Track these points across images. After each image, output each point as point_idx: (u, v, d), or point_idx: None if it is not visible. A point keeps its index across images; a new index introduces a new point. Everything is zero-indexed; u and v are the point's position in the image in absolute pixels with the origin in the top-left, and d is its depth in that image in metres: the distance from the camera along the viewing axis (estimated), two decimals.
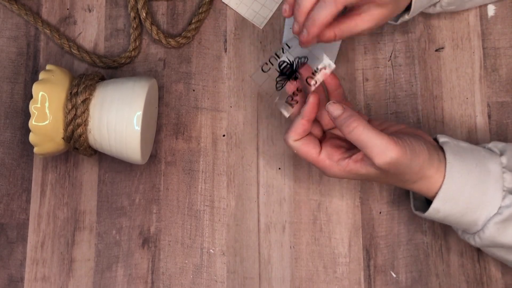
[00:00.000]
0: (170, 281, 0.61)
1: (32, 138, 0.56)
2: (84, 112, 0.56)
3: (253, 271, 0.61)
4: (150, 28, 0.64)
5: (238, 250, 0.61)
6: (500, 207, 0.52)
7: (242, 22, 0.66)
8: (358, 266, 0.60)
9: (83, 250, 0.61)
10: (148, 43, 0.66)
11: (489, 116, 0.63)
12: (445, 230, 0.61)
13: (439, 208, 0.53)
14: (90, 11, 0.67)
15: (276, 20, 0.66)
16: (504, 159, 0.53)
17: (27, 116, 0.64)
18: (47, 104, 0.55)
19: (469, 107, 0.63)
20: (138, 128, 0.55)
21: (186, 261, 0.61)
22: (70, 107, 0.56)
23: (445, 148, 0.54)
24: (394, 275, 0.60)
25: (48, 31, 0.65)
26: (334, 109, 0.52)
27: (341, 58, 0.65)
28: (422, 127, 0.63)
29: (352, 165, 0.52)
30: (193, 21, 0.65)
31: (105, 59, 0.64)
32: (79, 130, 0.56)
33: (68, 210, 0.62)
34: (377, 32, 0.65)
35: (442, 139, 0.55)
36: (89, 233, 0.62)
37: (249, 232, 0.61)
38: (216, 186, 0.63)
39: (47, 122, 0.55)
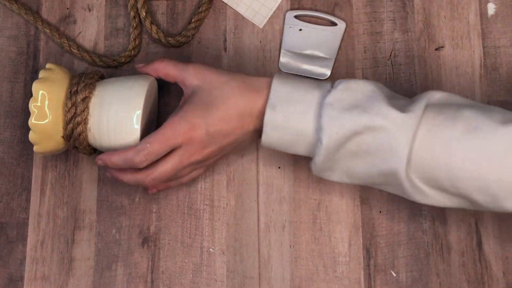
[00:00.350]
0: (170, 280, 0.61)
1: (32, 136, 0.56)
2: (83, 111, 0.56)
3: (253, 270, 0.61)
4: (150, 27, 0.64)
5: (238, 249, 0.61)
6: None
7: (242, 21, 0.66)
8: (358, 266, 0.60)
9: (83, 249, 0.61)
10: (148, 42, 0.66)
11: None
12: (445, 229, 0.61)
13: (267, 137, 0.53)
14: (90, 10, 0.67)
15: (276, 19, 0.66)
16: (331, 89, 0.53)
17: (27, 115, 0.64)
18: (46, 103, 0.55)
19: None
20: (137, 126, 0.55)
21: (186, 260, 0.61)
22: (69, 105, 0.55)
23: (275, 76, 0.54)
24: (394, 275, 0.60)
25: (48, 31, 0.65)
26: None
27: (341, 57, 0.65)
28: None
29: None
30: (193, 20, 0.65)
31: (105, 58, 0.64)
32: (79, 129, 0.56)
33: (68, 209, 0.62)
34: (376, 32, 0.65)
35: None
36: (89, 232, 0.62)
37: (249, 231, 0.61)
38: (216, 185, 0.63)
39: (46, 120, 0.55)
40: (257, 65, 0.65)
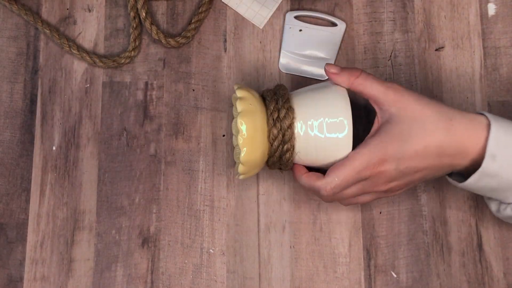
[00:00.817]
0: (169, 281, 0.60)
1: (242, 169, 0.54)
2: (291, 137, 0.53)
3: (253, 271, 0.60)
4: (150, 28, 0.64)
5: (238, 250, 0.61)
6: None
7: (242, 21, 0.66)
8: (358, 266, 0.60)
9: (83, 250, 0.61)
10: (148, 43, 0.66)
11: None
12: (446, 230, 0.60)
13: (476, 181, 0.50)
14: (90, 11, 0.67)
15: (276, 20, 0.66)
16: None
17: (27, 115, 0.64)
18: (253, 135, 0.53)
19: (469, 107, 0.63)
20: (349, 143, 0.53)
21: (186, 261, 0.61)
22: (275, 133, 0.53)
23: (486, 113, 0.51)
24: (395, 275, 0.60)
25: (48, 31, 0.65)
26: (331, 67, 0.54)
27: (341, 58, 0.65)
28: None
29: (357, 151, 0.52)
30: (193, 21, 0.65)
31: (105, 59, 0.64)
32: (287, 155, 0.54)
33: (67, 209, 0.62)
34: (377, 32, 0.65)
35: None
36: (88, 233, 0.62)
37: (249, 232, 0.61)
38: (216, 186, 0.62)
39: (257, 154, 0.53)
40: (257, 65, 0.65)
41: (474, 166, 0.51)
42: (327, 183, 0.52)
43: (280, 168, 0.57)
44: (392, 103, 0.51)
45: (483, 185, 0.51)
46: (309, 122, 0.53)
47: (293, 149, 0.54)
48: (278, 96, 0.54)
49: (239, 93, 0.54)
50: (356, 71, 0.53)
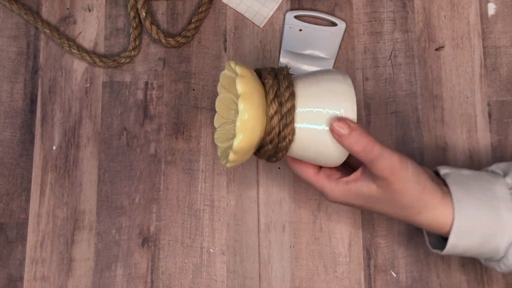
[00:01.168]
0: (169, 280, 0.60)
1: (233, 158, 0.49)
2: (291, 121, 0.49)
3: (253, 270, 0.60)
4: (150, 27, 0.64)
5: (238, 250, 0.61)
6: None
7: (242, 21, 0.66)
8: (358, 266, 0.60)
9: (83, 249, 0.61)
10: (148, 42, 0.66)
11: (490, 115, 0.63)
12: None
13: (457, 244, 0.50)
14: (90, 10, 0.67)
15: (276, 20, 0.66)
16: (509, 180, 0.51)
17: (27, 115, 0.64)
18: (254, 122, 0.48)
19: (469, 106, 0.63)
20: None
21: (186, 261, 0.61)
22: (275, 120, 0.49)
23: (447, 180, 0.52)
24: (395, 275, 0.60)
25: (48, 31, 0.65)
26: (341, 127, 0.48)
27: (341, 57, 0.65)
28: (422, 127, 0.63)
29: (352, 182, 0.51)
30: (193, 21, 0.65)
31: (105, 59, 0.64)
32: (284, 144, 0.50)
33: (67, 209, 0.62)
34: (376, 32, 0.65)
35: (443, 170, 0.53)
36: (88, 233, 0.62)
37: (249, 232, 0.61)
38: (216, 186, 0.62)
39: (253, 142, 0.49)
40: (257, 65, 0.65)
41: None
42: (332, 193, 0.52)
43: (269, 159, 0.52)
44: (383, 170, 0.49)
45: (463, 250, 0.51)
46: (309, 110, 0.49)
47: (293, 135, 0.49)
48: (280, 80, 0.50)
49: (240, 70, 0.48)
50: (354, 130, 0.49)
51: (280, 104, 0.49)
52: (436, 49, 0.64)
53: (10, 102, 0.65)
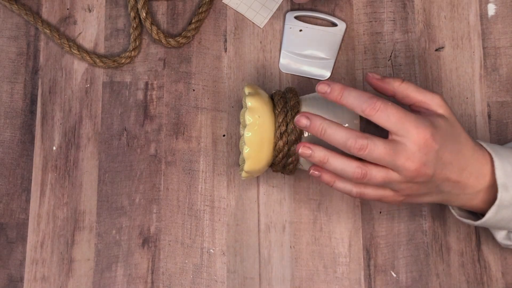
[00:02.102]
0: (170, 281, 0.60)
1: (244, 175, 0.55)
2: (296, 152, 0.53)
3: (253, 271, 0.61)
4: (150, 28, 0.64)
5: (238, 250, 0.61)
6: None
7: (242, 21, 0.66)
8: (358, 266, 0.60)
9: (83, 250, 0.61)
10: (148, 43, 0.66)
11: (489, 116, 0.63)
12: (445, 230, 0.61)
13: (494, 215, 0.51)
14: (90, 11, 0.67)
15: (276, 20, 0.66)
16: None
17: (27, 116, 0.64)
18: (260, 148, 0.53)
19: (469, 107, 0.63)
20: None
21: (186, 261, 0.61)
22: (281, 145, 0.54)
23: (484, 145, 0.53)
24: (394, 275, 0.60)
25: (48, 31, 0.65)
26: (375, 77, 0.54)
27: (341, 57, 0.65)
28: None
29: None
30: (193, 21, 0.65)
31: (105, 59, 0.64)
32: (290, 167, 0.55)
33: (67, 210, 0.62)
34: (377, 32, 0.65)
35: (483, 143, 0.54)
36: (88, 233, 0.62)
37: (249, 232, 0.61)
38: (216, 186, 0.62)
39: (259, 167, 0.55)
40: (257, 65, 0.65)
41: (484, 203, 0.52)
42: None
43: (283, 173, 0.57)
44: (439, 107, 0.52)
45: (500, 218, 0.52)
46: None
47: (297, 161, 0.55)
48: (288, 108, 0.54)
49: (250, 101, 0.54)
50: (398, 78, 0.53)
51: (286, 132, 0.53)
52: (436, 50, 0.64)
53: (10, 102, 0.65)
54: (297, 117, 0.51)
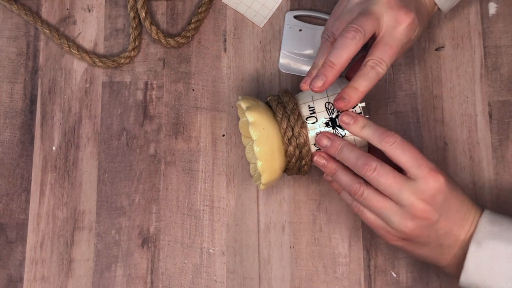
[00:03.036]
0: (169, 281, 0.60)
1: (263, 187, 0.55)
2: (308, 152, 0.54)
3: (252, 271, 0.60)
4: (149, 28, 0.64)
5: (238, 250, 0.61)
6: None
7: (241, 21, 0.66)
8: (358, 266, 0.60)
9: (83, 250, 0.61)
10: (148, 43, 0.66)
11: (490, 115, 0.63)
12: None
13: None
14: (89, 11, 0.67)
15: (276, 20, 0.66)
16: None
17: (27, 116, 0.64)
18: (272, 158, 0.53)
19: (470, 107, 0.63)
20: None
21: (186, 261, 0.61)
22: (292, 150, 0.54)
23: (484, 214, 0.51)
24: (395, 275, 0.60)
25: (47, 31, 0.65)
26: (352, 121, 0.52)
27: None
28: (422, 127, 0.62)
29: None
30: (192, 21, 0.65)
31: (105, 59, 0.64)
32: (306, 168, 0.55)
33: (67, 210, 0.62)
34: None
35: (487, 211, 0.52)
36: (88, 233, 0.62)
37: (249, 232, 0.61)
38: (216, 186, 0.62)
39: (276, 177, 0.55)
40: (257, 65, 0.65)
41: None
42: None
43: (298, 174, 0.58)
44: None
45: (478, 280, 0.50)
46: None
47: (311, 162, 0.55)
48: (289, 112, 0.54)
49: (250, 116, 0.53)
50: (392, 135, 0.50)
51: (294, 136, 0.53)
52: (436, 49, 0.64)
53: (10, 102, 0.65)
54: (319, 136, 0.53)
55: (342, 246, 0.61)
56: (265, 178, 0.54)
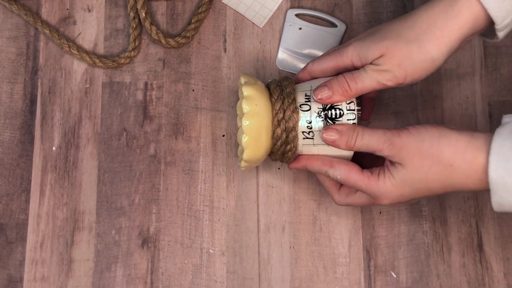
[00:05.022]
0: (169, 281, 0.60)
1: (243, 165, 0.55)
2: (294, 138, 0.54)
3: (252, 271, 0.60)
4: (149, 28, 0.64)
5: (238, 250, 0.61)
6: None
7: (241, 22, 0.66)
8: (358, 267, 0.60)
9: (82, 250, 0.61)
10: (148, 43, 0.66)
11: (490, 116, 0.63)
12: (446, 231, 0.60)
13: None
14: (89, 11, 0.67)
15: (276, 20, 0.66)
16: None
17: (27, 116, 0.64)
18: (256, 135, 0.53)
19: (470, 107, 0.63)
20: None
21: (186, 261, 0.61)
22: (279, 133, 0.53)
23: (498, 129, 0.48)
24: (395, 276, 0.60)
25: (47, 31, 0.65)
26: (330, 133, 0.52)
27: None
28: None
29: (388, 173, 0.50)
30: (192, 21, 0.65)
31: (105, 59, 0.64)
32: (289, 154, 0.55)
33: (67, 210, 0.62)
34: None
35: (506, 118, 0.49)
36: (88, 233, 0.62)
37: (249, 232, 0.61)
38: (216, 186, 0.62)
39: (258, 156, 0.54)
40: (257, 66, 0.65)
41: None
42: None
43: (282, 161, 0.57)
44: (395, 156, 0.50)
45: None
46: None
47: (296, 149, 0.54)
48: (285, 95, 0.54)
49: (246, 90, 0.53)
50: (353, 130, 0.52)
51: (284, 119, 0.53)
52: None
53: (9, 102, 0.65)
54: (325, 131, 0.52)
55: (342, 246, 0.61)
56: (247, 154, 0.53)
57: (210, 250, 0.61)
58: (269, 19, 0.66)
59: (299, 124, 0.53)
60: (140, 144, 0.63)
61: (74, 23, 0.66)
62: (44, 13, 0.67)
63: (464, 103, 0.63)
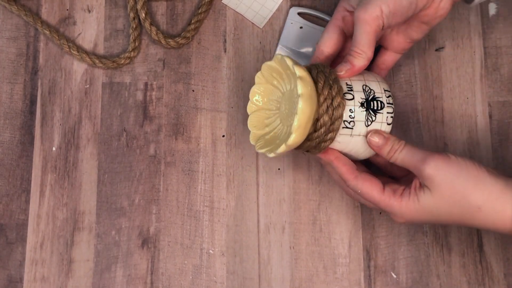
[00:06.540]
0: (169, 281, 0.60)
1: (280, 151, 0.51)
2: (339, 127, 0.52)
3: (252, 271, 0.60)
4: (149, 28, 0.64)
5: (238, 251, 0.61)
6: None
7: (241, 22, 0.66)
8: (358, 267, 0.60)
9: (82, 250, 0.61)
10: (148, 43, 0.66)
11: (490, 116, 0.63)
12: (446, 231, 0.60)
13: None
14: (89, 11, 0.67)
15: (276, 20, 0.66)
16: None
17: (26, 116, 0.64)
18: (308, 121, 0.50)
19: (470, 107, 0.63)
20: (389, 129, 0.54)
21: (186, 262, 0.61)
22: (326, 120, 0.51)
23: None
24: (395, 276, 0.60)
25: (47, 32, 0.65)
26: (376, 137, 0.52)
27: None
28: (422, 127, 0.62)
29: (413, 194, 0.51)
30: (192, 22, 0.65)
31: (105, 60, 0.64)
32: (327, 143, 0.53)
33: (67, 210, 0.62)
34: None
35: None
36: (88, 234, 0.62)
37: (249, 233, 0.61)
38: (216, 187, 0.62)
39: (299, 141, 0.51)
40: (257, 66, 0.65)
41: None
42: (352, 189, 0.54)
43: (308, 151, 0.55)
44: (427, 179, 0.50)
45: None
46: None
47: (333, 139, 0.52)
48: (331, 82, 0.52)
49: (299, 71, 0.50)
50: (398, 142, 0.53)
51: (332, 105, 0.51)
52: (436, 50, 0.64)
53: (9, 103, 0.65)
54: (374, 134, 0.52)
55: (342, 246, 0.61)
56: (293, 139, 0.50)
57: (210, 251, 0.61)
58: (269, 19, 0.66)
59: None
60: (140, 144, 0.63)
61: (74, 23, 0.66)
62: (44, 13, 0.67)
63: (464, 104, 0.63)
